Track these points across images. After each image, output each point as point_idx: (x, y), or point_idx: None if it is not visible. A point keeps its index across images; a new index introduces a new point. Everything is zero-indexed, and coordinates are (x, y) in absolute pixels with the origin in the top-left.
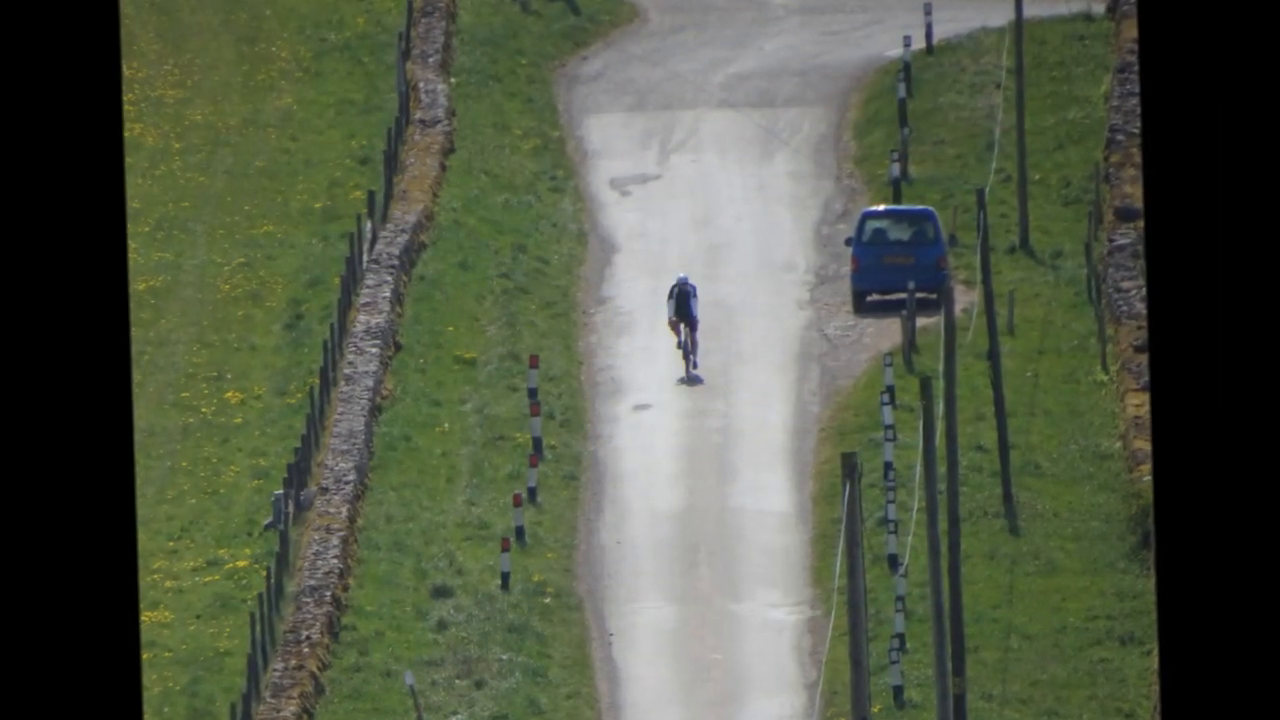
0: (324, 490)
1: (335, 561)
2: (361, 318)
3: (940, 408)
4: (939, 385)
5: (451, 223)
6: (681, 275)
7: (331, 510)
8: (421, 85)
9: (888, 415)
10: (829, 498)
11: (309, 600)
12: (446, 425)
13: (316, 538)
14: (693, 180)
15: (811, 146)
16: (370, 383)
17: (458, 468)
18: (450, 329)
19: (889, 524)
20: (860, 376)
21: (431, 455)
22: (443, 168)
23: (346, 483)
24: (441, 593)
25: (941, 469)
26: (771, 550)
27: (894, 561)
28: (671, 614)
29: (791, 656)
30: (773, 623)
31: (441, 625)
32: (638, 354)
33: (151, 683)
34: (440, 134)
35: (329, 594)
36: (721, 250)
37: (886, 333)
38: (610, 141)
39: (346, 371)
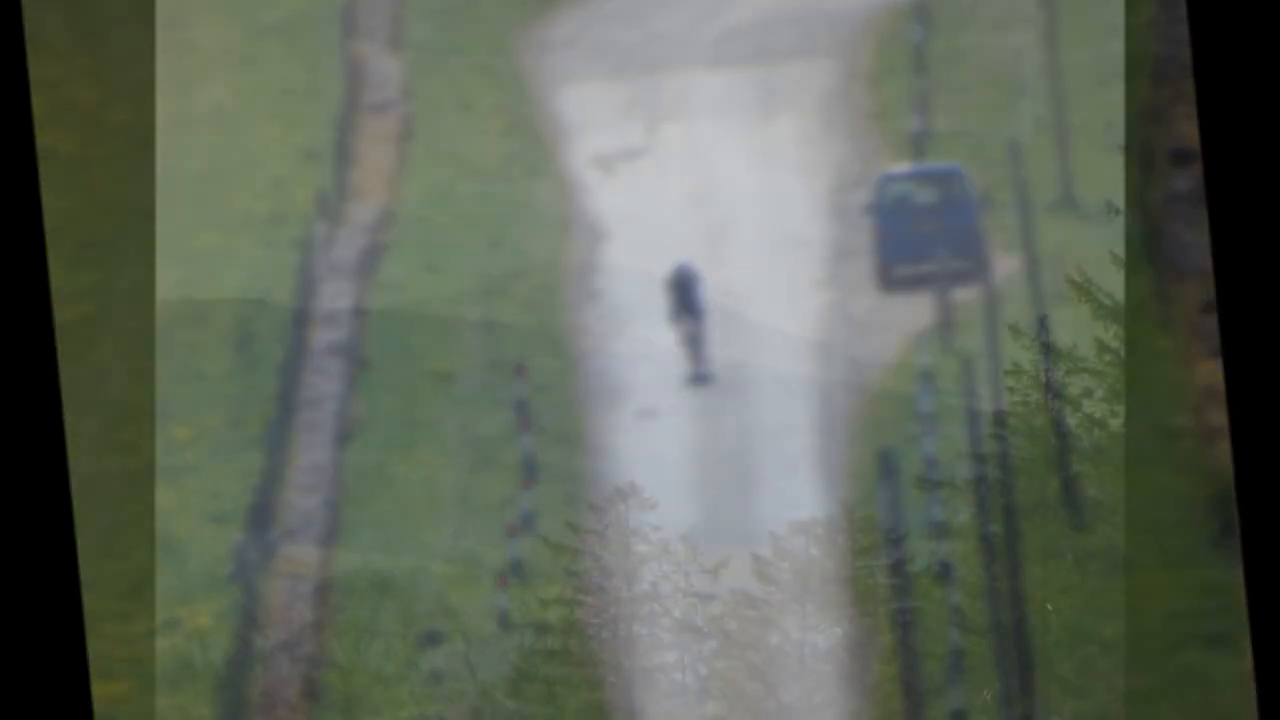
0: (290, 532)
1: (309, 612)
2: (320, 334)
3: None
4: (982, 366)
5: (415, 219)
6: (681, 261)
7: (301, 554)
8: (370, 64)
9: (925, 403)
10: (865, 501)
11: (282, 658)
12: (425, 449)
13: (286, 587)
14: (686, 152)
15: (819, 104)
16: (335, 407)
17: (441, 496)
18: (422, 340)
19: (935, 526)
20: (891, 362)
21: (410, 484)
22: (401, 157)
23: (315, 522)
24: (432, 640)
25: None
26: (804, 564)
27: (944, 569)
28: (696, 645)
29: (834, 684)
30: (810, 647)
31: (435, 677)
32: (637, 354)
33: None
34: (395, 119)
35: (304, 650)
36: (724, 229)
37: (918, 310)
38: (589, 114)
39: (307, 395)
